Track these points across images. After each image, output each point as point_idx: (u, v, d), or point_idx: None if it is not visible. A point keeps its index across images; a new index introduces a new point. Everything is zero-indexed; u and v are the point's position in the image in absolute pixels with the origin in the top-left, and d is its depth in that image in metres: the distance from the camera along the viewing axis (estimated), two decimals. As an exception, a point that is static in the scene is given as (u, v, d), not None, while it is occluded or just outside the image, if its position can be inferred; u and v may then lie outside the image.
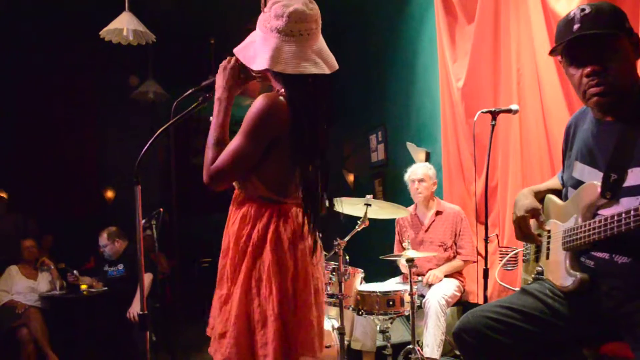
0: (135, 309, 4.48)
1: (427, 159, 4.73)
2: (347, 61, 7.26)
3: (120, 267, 4.91)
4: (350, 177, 7.13)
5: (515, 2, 3.41)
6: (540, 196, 1.93)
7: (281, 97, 1.68)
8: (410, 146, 4.96)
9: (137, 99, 6.70)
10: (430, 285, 3.54)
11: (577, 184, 1.73)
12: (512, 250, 2.72)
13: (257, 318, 1.66)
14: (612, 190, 1.59)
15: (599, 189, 1.61)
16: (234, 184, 1.81)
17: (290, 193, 1.76)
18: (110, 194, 8.14)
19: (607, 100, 1.62)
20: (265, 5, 1.69)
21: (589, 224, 1.60)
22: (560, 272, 1.72)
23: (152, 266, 4.85)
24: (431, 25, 4.65)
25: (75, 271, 4.93)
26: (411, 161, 4.59)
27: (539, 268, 1.87)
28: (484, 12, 3.75)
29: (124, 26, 3.94)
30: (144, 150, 1.70)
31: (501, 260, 2.61)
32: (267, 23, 1.66)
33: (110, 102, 7.77)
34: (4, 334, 4.75)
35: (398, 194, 5.20)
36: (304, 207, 1.73)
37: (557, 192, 1.92)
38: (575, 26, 1.60)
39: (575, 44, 1.62)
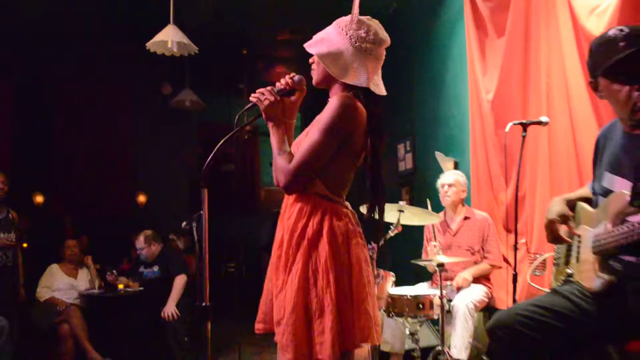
0: (169, 308, 4.64)
1: (456, 168, 4.81)
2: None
3: (156, 268, 5.05)
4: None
5: (546, 18, 3.51)
6: (571, 204, 2.05)
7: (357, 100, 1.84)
8: (439, 155, 5.05)
9: (174, 106, 6.92)
10: (459, 289, 3.64)
11: (607, 192, 1.85)
12: (541, 256, 2.83)
13: (315, 307, 1.74)
14: None
15: (627, 198, 1.71)
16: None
17: (342, 195, 1.90)
18: (142, 197, 8.34)
19: None
20: (355, 16, 1.85)
21: (618, 230, 1.71)
22: (590, 274, 1.84)
23: (186, 267, 5.02)
24: (461, 38, 4.75)
25: (114, 270, 5.14)
26: (439, 170, 4.68)
27: (569, 271, 1.99)
28: (515, 27, 3.85)
29: (169, 38, 4.08)
30: (210, 158, 1.83)
31: (530, 265, 2.74)
32: (362, 43, 1.85)
33: (146, 109, 8.02)
34: (46, 330, 4.96)
35: (425, 202, 5.29)
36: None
37: (587, 200, 2.04)
38: (621, 44, 1.71)
39: (623, 61, 1.72)
